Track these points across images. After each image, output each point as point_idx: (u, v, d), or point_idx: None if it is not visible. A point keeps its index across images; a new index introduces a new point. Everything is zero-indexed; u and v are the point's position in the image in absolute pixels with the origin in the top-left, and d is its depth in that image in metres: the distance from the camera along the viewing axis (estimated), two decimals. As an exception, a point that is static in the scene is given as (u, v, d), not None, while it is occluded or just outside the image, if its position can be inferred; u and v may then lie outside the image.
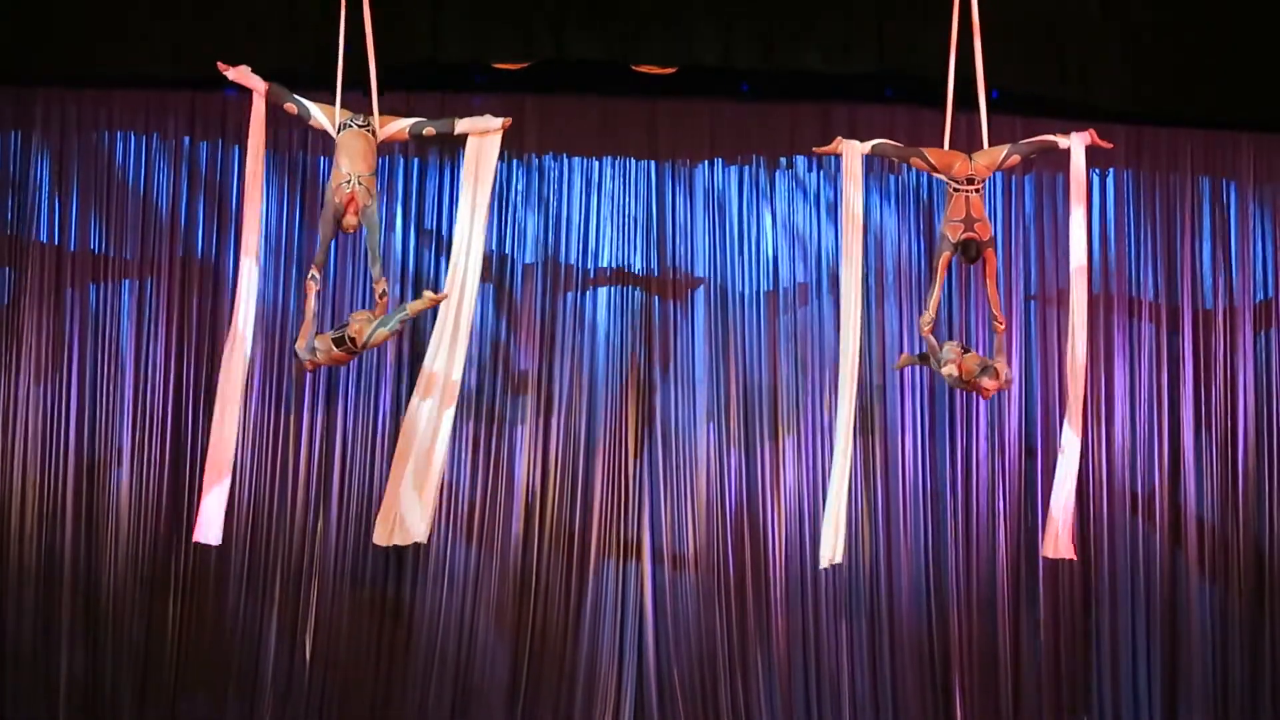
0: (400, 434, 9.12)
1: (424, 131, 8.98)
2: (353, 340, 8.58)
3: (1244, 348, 10.96)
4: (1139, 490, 10.83)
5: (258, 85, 8.56)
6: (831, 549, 9.09)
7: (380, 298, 8.73)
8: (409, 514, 8.93)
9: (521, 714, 10.41)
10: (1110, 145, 9.51)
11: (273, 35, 10.01)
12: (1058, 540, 9.31)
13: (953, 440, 10.73)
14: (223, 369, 8.85)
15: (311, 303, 8.62)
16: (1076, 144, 9.40)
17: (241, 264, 8.81)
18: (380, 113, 8.85)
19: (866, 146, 9.16)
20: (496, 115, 9.21)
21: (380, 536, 9.01)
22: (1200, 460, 10.90)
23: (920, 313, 9.30)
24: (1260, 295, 11.06)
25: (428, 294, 8.86)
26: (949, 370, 8.94)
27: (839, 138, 9.24)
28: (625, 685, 10.47)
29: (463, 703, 10.44)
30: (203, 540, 8.90)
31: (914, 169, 10.51)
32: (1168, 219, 11.06)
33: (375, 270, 8.76)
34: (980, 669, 10.64)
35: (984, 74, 9.16)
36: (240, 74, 8.59)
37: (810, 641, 10.58)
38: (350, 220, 8.62)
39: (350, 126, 8.69)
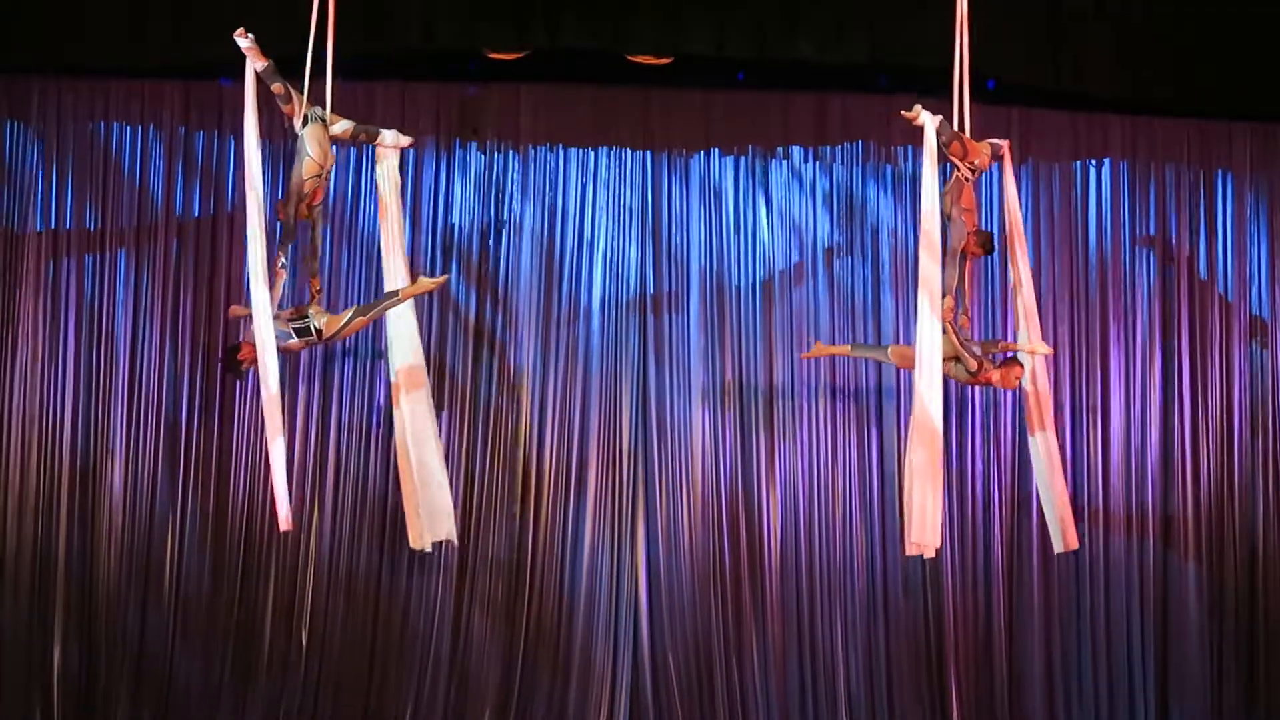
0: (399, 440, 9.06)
1: (360, 136, 8.98)
2: (319, 331, 8.57)
3: (1240, 338, 10.95)
4: (1133, 482, 10.81)
5: (259, 61, 8.53)
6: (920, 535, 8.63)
7: (316, 294, 8.76)
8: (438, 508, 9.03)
9: (516, 703, 10.40)
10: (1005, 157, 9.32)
11: (269, 24, 9.97)
12: (1070, 533, 9.18)
13: (947, 432, 10.62)
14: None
15: (278, 291, 8.60)
16: (1005, 152, 9.35)
17: (249, 238, 8.36)
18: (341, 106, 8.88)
19: (937, 120, 8.76)
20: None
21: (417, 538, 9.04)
22: (1196, 452, 10.88)
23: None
24: (1256, 285, 11.05)
25: (423, 280, 8.89)
26: (977, 367, 8.91)
27: (918, 105, 8.76)
28: (620, 674, 10.47)
29: (458, 693, 10.44)
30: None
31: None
32: (1163, 209, 11.05)
33: (314, 265, 8.80)
34: (975, 658, 10.64)
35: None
36: (252, 44, 8.56)
37: (805, 630, 10.57)
38: (305, 211, 8.64)
39: (315, 120, 8.69)
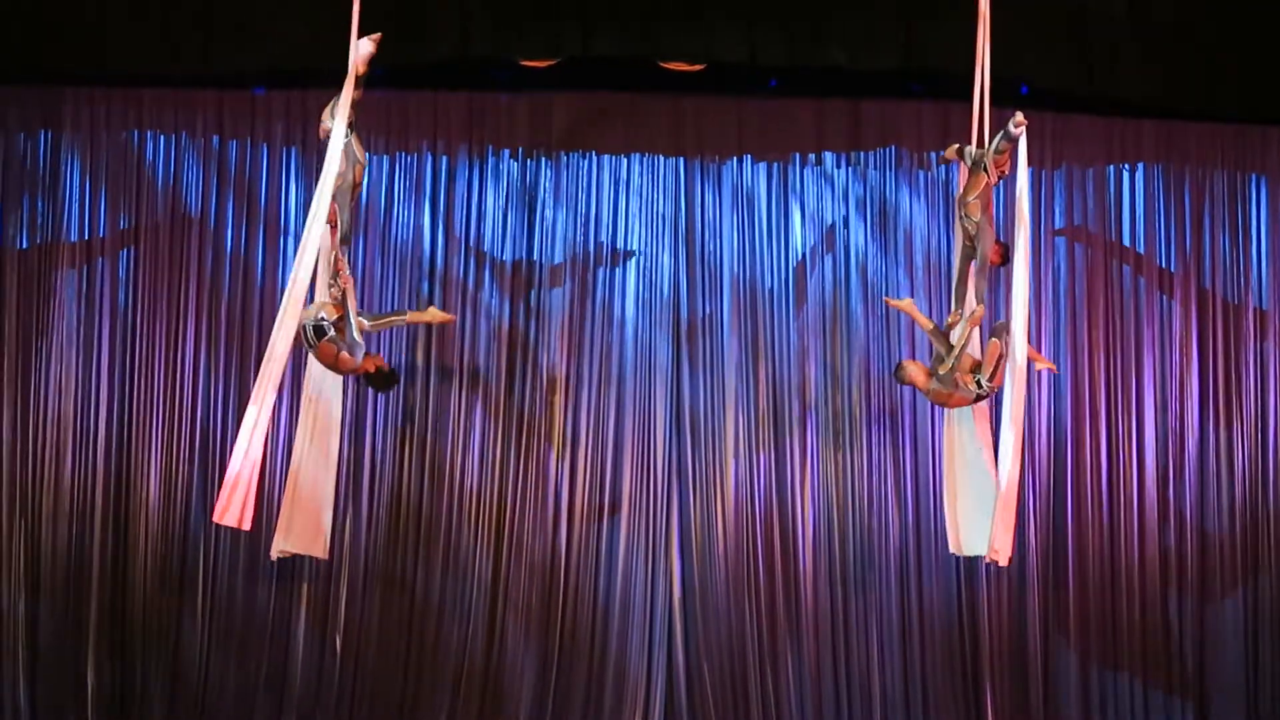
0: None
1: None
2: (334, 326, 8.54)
3: (1275, 341, 10.90)
4: (1170, 489, 10.74)
5: (364, 68, 8.50)
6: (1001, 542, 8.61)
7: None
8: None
9: (551, 712, 10.39)
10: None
11: (302, 33, 10.04)
12: (1000, 540, 8.59)
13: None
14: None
15: (353, 296, 8.64)
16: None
17: (308, 246, 8.17)
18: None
19: None
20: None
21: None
22: (1231, 458, 10.83)
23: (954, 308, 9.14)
24: (1291, 289, 11.03)
25: (434, 310, 9.09)
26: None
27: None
28: (655, 683, 10.46)
29: (492, 702, 10.44)
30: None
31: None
32: (1197, 214, 11.00)
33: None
34: (1011, 665, 10.60)
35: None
36: (375, 50, 8.53)
37: (840, 638, 10.56)
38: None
39: (355, 129, 8.73)
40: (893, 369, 8.82)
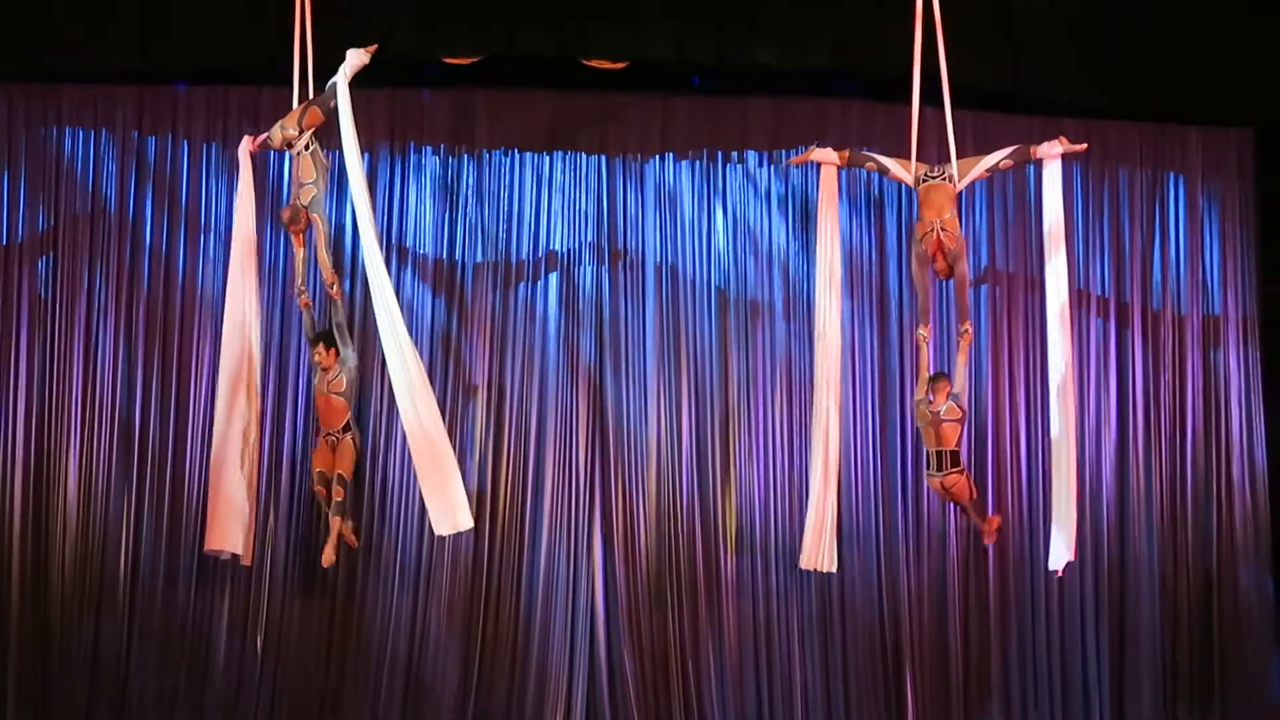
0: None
1: None
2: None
3: (1192, 339, 11.00)
4: (1087, 487, 10.79)
5: (349, 75, 8.75)
6: (815, 555, 9.28)
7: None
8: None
9: (473, 712, 10.37)
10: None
11: (219, 30, 10.02)
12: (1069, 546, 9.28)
13: (903, 439, 10.71)
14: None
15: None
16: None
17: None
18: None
19: None
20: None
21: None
22: (1149, 455, 10.92)
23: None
24: (1207, 286, 11.09)
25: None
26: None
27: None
28: (577, 682, 10.44)
29: (414, 702, 10.41)
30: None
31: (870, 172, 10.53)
32: (1116, 212, 11.09)
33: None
34: (932, 665, 10.66)
35: (938, 70, 9.16)
36: (364, 60, 8.61)
37: (762, 638, 10.58)
38: None
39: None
40: (934, 374, 9.05)
